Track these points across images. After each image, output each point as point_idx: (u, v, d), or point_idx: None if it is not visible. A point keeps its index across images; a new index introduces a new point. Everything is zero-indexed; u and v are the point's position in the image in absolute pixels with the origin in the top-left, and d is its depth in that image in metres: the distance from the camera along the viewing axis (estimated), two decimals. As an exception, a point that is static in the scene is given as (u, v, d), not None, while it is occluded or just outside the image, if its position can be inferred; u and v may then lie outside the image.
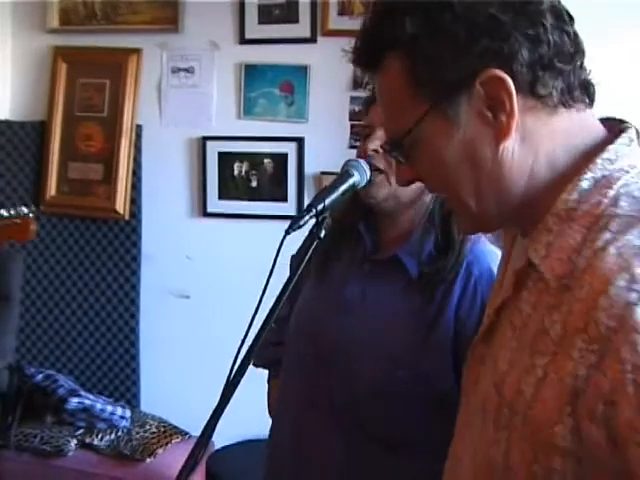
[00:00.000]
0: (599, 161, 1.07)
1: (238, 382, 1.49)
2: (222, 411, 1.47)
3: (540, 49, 1.06)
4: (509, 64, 1.05)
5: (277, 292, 1.63)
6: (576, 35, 1.10)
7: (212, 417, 1.46)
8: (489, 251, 1.90)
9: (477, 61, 1.05)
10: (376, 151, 1.86)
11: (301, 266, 1.59)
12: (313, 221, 1.60)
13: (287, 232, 1.57)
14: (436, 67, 1.07)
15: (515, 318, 1.11)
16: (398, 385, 1.81)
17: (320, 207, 1.62)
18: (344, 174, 1.78)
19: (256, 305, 1.58)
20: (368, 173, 1.81)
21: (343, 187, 1.72)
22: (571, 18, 1.11)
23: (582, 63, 1.11)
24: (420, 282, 1.85)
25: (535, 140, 1.09)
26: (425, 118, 1.10)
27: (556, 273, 1.04)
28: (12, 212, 1.98)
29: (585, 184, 1.06)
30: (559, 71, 1.07)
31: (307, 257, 1.60)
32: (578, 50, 1.10)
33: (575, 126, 1.10)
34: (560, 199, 1.07)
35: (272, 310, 1.57)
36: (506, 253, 1.30)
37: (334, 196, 1.67)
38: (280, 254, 1.58)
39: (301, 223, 1.58)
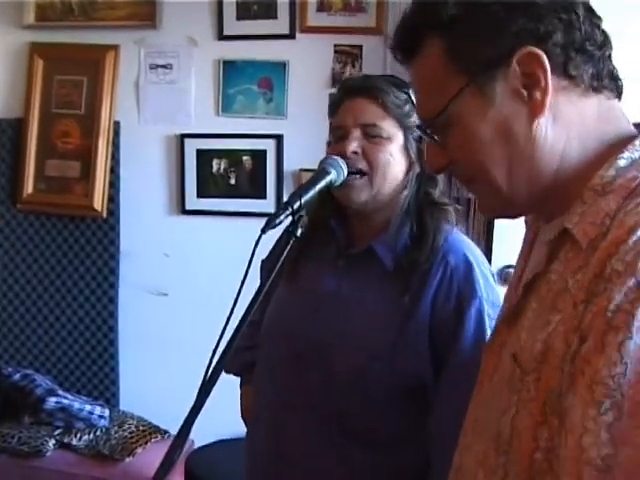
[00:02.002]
0: (637, 142, 1.11)
1: (214, 383, 1.48)
2: (198, 411, 1.46)
3: (573, 33, 1.11)
4: (544, 43, 1.10)
5: (251, 293, 1.62)
6: (605, 32, 1.16)
7: (189, 417, 1.45)
8: (464, 240, 1.90)
9: (514, 39, 1.10)
10: (355, 153, 1.85)
11: (277, 266, 1.57)
12: (289, 219, 1.58)
13: (263, 231, 1.56)
14: (474, 45, 1.12)
15: (542, 289, 1.13)
16: (376, 378, 1.80)
17: (297, 205, 1.61)
18: (321, 172, 1.77)
19: (230, 307, 1.56)
20: (345, 170, 1.80)
21: (320, 185, 1.72)
22: (600, 18, 1.16)
23: (610, 55, 1.16)
24: (395, 273, 1.85)
25: (567, 121, 1.13)
26: (461, 94, 1.14)
27: (588, 236, 1.06)
28: None
29: (622, 162, 1.09)
30: (590, 55, 1.12)
31: (283, 256, 1.58)
32: (607, 42, 1.15)
33: (605, 112, 1.15)
34: (597, 175, 1.10)
35: (245, 315, 1.56)
36: (528, 243, 1.32)
37: (311, 194, 1.67)
38: (256, 253, 1.57)
39: (277, 222, 1.57)
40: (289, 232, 1.60)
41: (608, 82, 1.15)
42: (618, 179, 1.08)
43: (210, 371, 1.48)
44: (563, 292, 1.06)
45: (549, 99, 1.10)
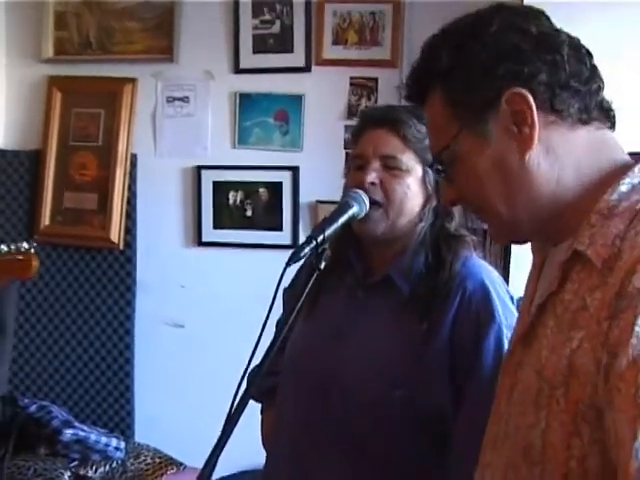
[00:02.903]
0: (637, 169, 1.19)
1: (239, 416, 1.49)
2: (224, 445, 1.46)
3: (557, 72, 1.21)
4: (529, 83, 1.20)
5: (269, 323, 1.62)
6: (594, 67, 1.26)
7: (214, 451, 1.46)
8: (482, 265, 1.91)
9: (501, 82, 1.21)
10: (373, 184, 1.86)
11: (301, 298, 1.59)
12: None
13: (288, 264, 1.58)
14: (466, 92, 1.24)
15: (558, 308, 1.19)
16: (395, 406, 1.81)
17: (320, 238, 1.62)
18: (343, 205, 1.78)
19: (257, 337, 1.57)
20: (367, 204, 1.81)
21: (343, 218, 1.74)
22: (589, 53, 1.26)
23: (599, 88, 1.25)
24: (413, 301, 1.86)
25: (559, 152, 1.22)
26: (459, 136, 1.26)
27: (602, 256, 1.13)
28: (12, 247, 1.94)
29: (624, 187, 1.17)
30: (575, 90, 1.21)
31: (307, 289, 1.60)
32: (594, 76, 1.25)
33: (595, 142, 1.24)
34: (602, 199, 1.17)
35: (271, 345, 1.57)
36: (536, 267, 1.37)
37: (334, 228, 1.69)
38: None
39: (302, 255, 1.59)
40: (313, 265, 1.61)
41: (597, 114, 1.24)
42: (623, 202, 1.16)
43: (236, 403, 1.49)
44: (582, 310, 1.13)
45: (537, 133, 1.20)
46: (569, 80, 1.21)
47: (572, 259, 1.18)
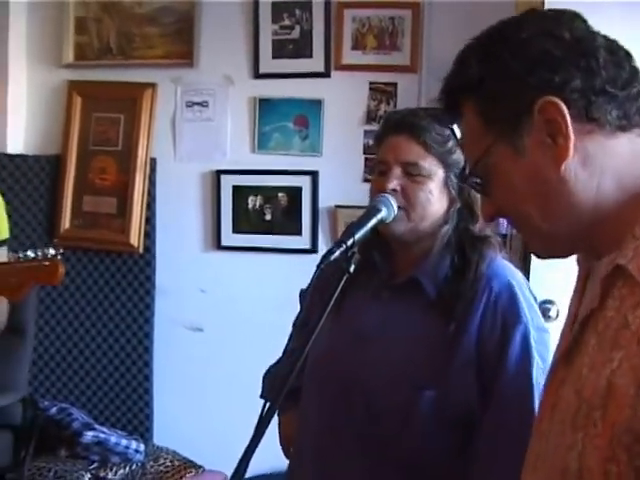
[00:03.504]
0: None
1: (269, 421, 1.51)
2: (254, 451, 1.48)
3: (592, 78, 1.15)
4: (563, 91, 1.15)
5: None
6: (634, 68, 1.20)
7: (243, 457, 1.48)
8: (507, 266, 1.92)
9: (533, 91, 1.16)
10: (395, 190, 1.87)
11: (332, 300, 1.61)
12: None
13: (319, 266, 1.61)
14: (499, 102, 1.20)
15: (600, 325, 1.14)
16: (423, 407, 1.82)
17: (350, 242, 1.64)
18: (372, 209, 1.80)
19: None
20: (395, 208, 1.82)
21: (371, 222, 1.75)
22: (629, 54, 1.21)
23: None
24: (439, 302, 1.87)
25: (597, 162, 1.17)
26: (492, 148, 1.21)
27: None
28: (39, 253, 1.96)
29: None
30: (612, 96, 1.16)
31: (337, 291, 1.62)
32: (634, 80, 1.19)
33: (638, 149, 1.18)
34: None
35: (302, 347, 1.59)
36: (581, 282, 1.33)
37: (363, 231, 1.70)
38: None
39: (332, 258, 1.61)
40: (343, 268, 1.63)
41: (639, 119, 1.18)
42: None
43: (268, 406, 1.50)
44: (623, 329, 1.07)
45: (573, 143, 1.15)
46: (605, 86, 1.15)
47: (614, 274, 1.13)
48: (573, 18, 1.22)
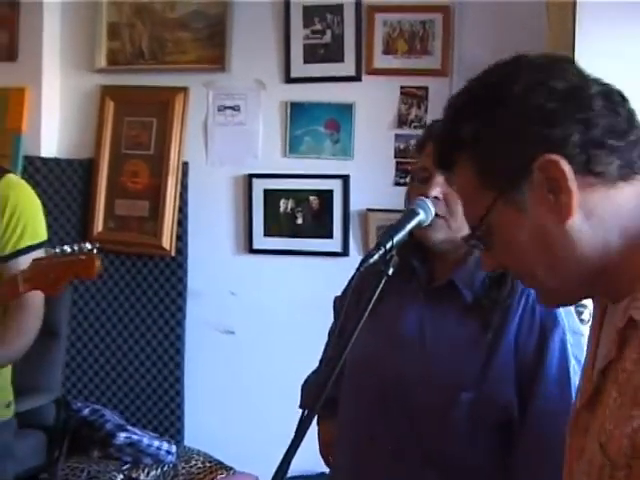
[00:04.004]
0: None
1: (312, 420, 1.53)
2: (294, 454, 1.49)
3: (590, 131, 1.12)
4: (562, 147, 1.11)
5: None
6: (631, 113, 1.17)
7: (284, 460, 1.49)
8: None
9: (531, 148, 1.13)
10: (437, 198, 1.88)
11: (370, 303, 1.62)
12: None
13: (358, 269, 1.62)
14: (496, 160, 1.16)
15: (619, 377, 1.12)
16: (460, 409, 1.82)
17: (389, 245, 1.65)
18: (410, 212, 1.80)
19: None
20: (433, 212, 1.83)
21: (410, 225, 1.76)
22: (624, 98, 1.17)
23: (639, 138, 1.16)
24: (475, 308, 1.87)
25: (602, 214, 1.14)
26: (493, 207, 1.17)
27: None
28: (75, 248, 2.00)
29: None
30: (612, 148, 1.12)
31: (376, 294, 1.63)
32: (632, 126, 1.16)
33: None
34: None
35: (341, 353, 1.60)
36: (597, 320, 1.30)
37: (402, 234, 1.71)
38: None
39: (371, 261, 1.62)
40: (381, 271, 1.64)
41: None
42: None
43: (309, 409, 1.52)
44: None
45: (575, 200, 1.12)
46: (604, 138, 1.12)
47: (629, 326, 1.11)
48: (565, 66, 1.19)
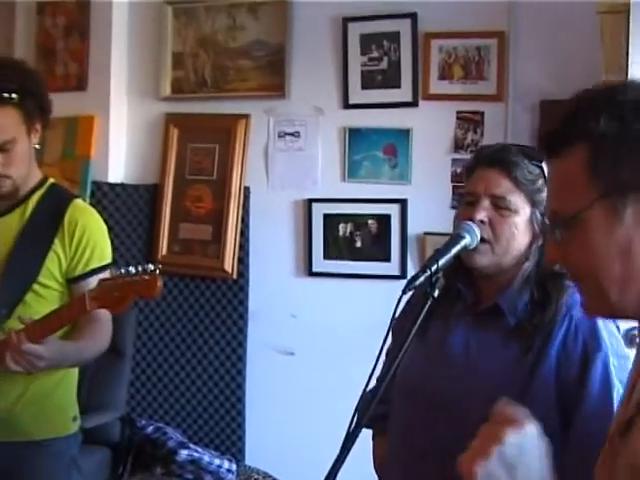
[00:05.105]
0: None
1: (357, 436, 1.58)
2: (338, 470, 1.55)
3: None
4: None
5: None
6: None
7: (332, 469, 1.54)
8: None
9: None
10: (482, 222, 1.92)
11: (416, 323, 1.68)
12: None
13: (404, 291, 1.68)
14: (616, 164, 1.16)
15: None
16: None
17: (434, 268, 1.71)
18: (456, 236, 1.86)
19: (373, 364, 1.65)
20: (478, 236, 1.88)
21: (455, 249, 1.81)
22: None
23: None
24: (518, 331, 1.90)
25: None
26: (592, 207, 1.17)
27: None
28: (139, 269, 2.10)
29: None
30: None
31: (422, 315, 1.69)
32: None
33: None
34: None
35: (386, 371, 1.65)
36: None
37: (447, 257, 1.77)
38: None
39: (417, 283, 1.68)
40: (427, 293, 1.70)
41: None
42: None
43: (353, 424, 1.57)
44: None
45: None
46: None
47: None
48: None
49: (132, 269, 2.10)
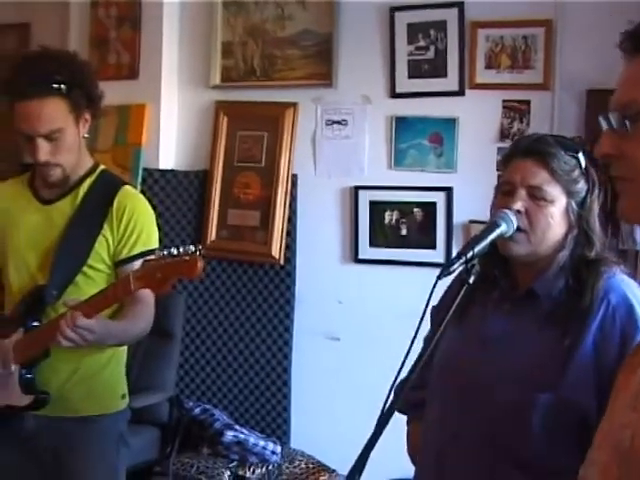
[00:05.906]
0: None
1: (389, 418, 1.63)
2: (369, 452, 1.60)
3: None
4: None
5: (418, 337, 1.76)
6: None
7: (360, 457, 1.59)
8: (624, 280, 1.95)
9: None
10: (519, 211, 1.95)
11: (451, 309, 1.72)
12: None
13: (438, 278, 1.72)
14: None
15: None
16: (537, 411, 1.87)
17: (470, 255, 1.75)
18: (492, 224, 1.89)
19: (407, 350, 1.70)
20: (515, 224, 1.91)
21: (491, 236, 1.85)
22: None
23: None
24: (554, 316, 1.93)
25: None
26: None
27: None
28: (181, 250, 2.15)
29: None
30: None
31: (457, 301, 1.73)
32: None
33: None
34: None
35: (420, 357, 1.69)
36: None
37: (482, 245, 1.80)
38: (423, 301, 1.72)
39: (452, 269, 1.72)
40: (462, 279, 1.74)
41: None
42: None
43: (387, 406, 1.62)
44: None
45: None
46: None
47: None
48: None
49: (174, 250, 2.15)
